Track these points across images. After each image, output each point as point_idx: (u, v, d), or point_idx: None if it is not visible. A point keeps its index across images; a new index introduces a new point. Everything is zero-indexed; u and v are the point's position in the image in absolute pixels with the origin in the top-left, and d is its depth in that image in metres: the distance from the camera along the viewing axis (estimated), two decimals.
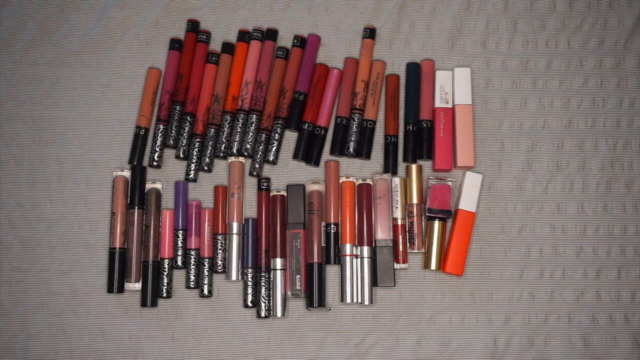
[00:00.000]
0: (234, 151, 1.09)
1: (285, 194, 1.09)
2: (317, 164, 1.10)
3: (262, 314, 1.07)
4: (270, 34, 1.13)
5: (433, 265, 1.08)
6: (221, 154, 1.10)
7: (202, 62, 1.12)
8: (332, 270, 1.09)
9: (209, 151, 1.09)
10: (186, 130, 1.10)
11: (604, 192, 1.11)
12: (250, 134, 1.09)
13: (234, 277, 1.07)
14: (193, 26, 1.13)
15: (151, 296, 1.07)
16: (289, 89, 1.10)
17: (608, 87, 1.12)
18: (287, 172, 1.11)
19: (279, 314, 1.07)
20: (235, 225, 1.08)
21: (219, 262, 1.08)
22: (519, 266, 1.09)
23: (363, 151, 1.10)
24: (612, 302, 1.09)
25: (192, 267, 1.08)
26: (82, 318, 1.09)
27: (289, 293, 1.06)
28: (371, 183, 1.09)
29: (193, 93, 1.11)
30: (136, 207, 1.08)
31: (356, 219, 1.09)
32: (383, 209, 1.08)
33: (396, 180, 1.09)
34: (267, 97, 1.10)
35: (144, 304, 1.07)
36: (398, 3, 1.14)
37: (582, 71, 1.13)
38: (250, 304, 1.07)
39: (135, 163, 1.10)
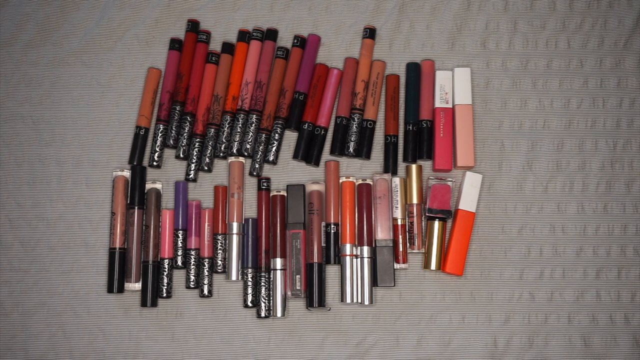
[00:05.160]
0: (234, 151, 1.09)
1: (285, 194, 1.09)
2: (317, 164, 1.10)
3: (262, 314, 1.07)
4: (270, 34, 1.13)
5: (433, 265, 1.08)
6: (221, 154, 1.10)
7: (202, 62, 1.12)
8: (332, 270, 1.09)
9: (209, 151, 1.09)
10: (186, 130, 1.10)
11: (604, 192, 1.11)
12: (250, 134, 1.09)
13: (234, 277, 1.07)
14: (193, 26, 1.13)
15: (151, 296, 1.07)
16: (289, 89, 1.10)
17: (608, 87, 1.12)
18: (287, 172, 1.11)
19: (279, 314, 1.07)
20: (235, 225, 1.08)
21: (219, 262, 1.08)
22: (519, 266, 1.09)
23: (363, 151, 1.10)
24: (612, 302, 1.09)
25: (192, 267, 1.08)
26: (82, 318, 1.09)
27: (289, 293, 1.06)
28: (371, 183, 1.09)
29: (193, 93, 1.11)
30: (136, 207, 1.08)
31: (356, 219, 1.08)
32: (383, 209, 1.08)
33: (396, 180, 1.09)
34: (267, 97, 1.10)
35: (144, 304, 1.07)
36: (398, 3, 1.14)
37: (582, 71, 1.13)
38: (250, 304, 1.07)
39: (135, 163, 1.10)
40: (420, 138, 1.10)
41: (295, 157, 1.10)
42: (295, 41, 1.12)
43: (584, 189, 1.11)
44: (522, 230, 1.10)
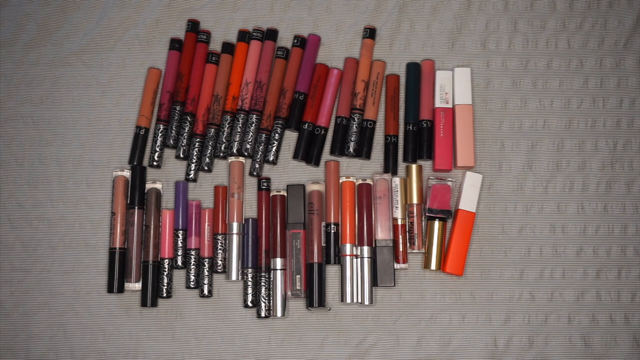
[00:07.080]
0: (234, 151, 1.09)
1: (285, 194, 1.09)
2: (317, 164, 1.10)
3: (262, 314, 1.07)
4: (270, 34, 1.13)
5: (433, 265, 1.08)
6: (221, 154, 1.10)
7: (202, 62, 1.12)
8: (332, 270, 1.09)
9: (209, 151, 1.09)
10: (186, 130, 1.10)
11: (604, 192, 1.10)
12: (250, 134, 1.10)
13: (234, 277, 1.07)
14: (193, 26, 1.13)
15: (151, 296, 1.07)
16: (289, 89, 1.10)
17: (608, 87, 1.12)
18: (287, 172, 1.11)
19: (279, 314, 1.07)
20: (235, 225, 1.08)
21: (219, 262, 1.08)
22: (519, 266, 1.09)
23: (363, 151, 1.10)
24: (612, 302, 1.09)
25: (192, 267, 1.08)
26: (83, 318, 1.09)
27: (289, 293, 1.07)
28: (371, 183, 1.09)
29: (193, 93, 1.11)
30: (136, 207, 1.08)
31: (356, 219, 1.09)
32: (383, 209, 1.08)
33: (396, 180, 1.09)
34: (267, 97, 1.11)
35: (144, 304, 1.07)
36: (398, 3, 1.14)
37: (582, 71, 1.13)
38: (250, 304, 1.07)
39: (135, 163, 1.10)
40: (420, 138, 1.10)
41: (295, 157, 1.10)
42: (295, 41, 1.12)
43: (584, 189, 1.11)
44: (522, 230, 1.10)
